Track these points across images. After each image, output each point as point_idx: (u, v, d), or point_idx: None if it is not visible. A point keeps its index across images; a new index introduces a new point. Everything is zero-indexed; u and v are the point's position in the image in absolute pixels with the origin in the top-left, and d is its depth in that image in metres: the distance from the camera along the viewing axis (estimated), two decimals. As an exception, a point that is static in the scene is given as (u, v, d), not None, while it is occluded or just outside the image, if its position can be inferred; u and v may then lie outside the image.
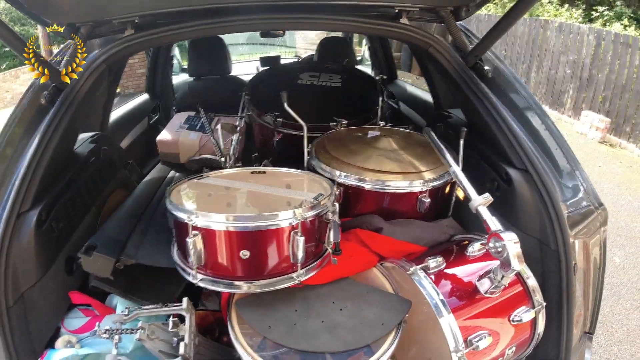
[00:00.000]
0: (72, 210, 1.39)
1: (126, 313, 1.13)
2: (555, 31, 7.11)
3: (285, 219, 1.11)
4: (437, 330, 1.09)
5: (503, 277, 1.10)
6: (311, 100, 2.22)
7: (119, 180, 1.74)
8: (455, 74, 1.51)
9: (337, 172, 1.48)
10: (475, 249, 1.27)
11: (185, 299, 1.17)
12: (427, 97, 2.21)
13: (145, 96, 2.94)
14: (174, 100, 3.11)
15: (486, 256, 1.24)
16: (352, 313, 1.16)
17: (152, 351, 1.11)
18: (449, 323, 1.08)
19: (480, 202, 1.19)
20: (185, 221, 1.10)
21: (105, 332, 1.09)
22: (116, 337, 1.09)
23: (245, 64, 4.34)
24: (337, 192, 1.40)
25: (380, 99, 2.08)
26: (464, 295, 1.16)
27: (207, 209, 1.18)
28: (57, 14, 1.23)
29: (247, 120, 2.39)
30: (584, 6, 9.40)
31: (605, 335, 2.61)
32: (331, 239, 1.20)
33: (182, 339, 1.10)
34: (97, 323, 1.17)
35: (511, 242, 1.04)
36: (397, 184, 1.46)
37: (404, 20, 1.44)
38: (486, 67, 1.49)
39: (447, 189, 1.57)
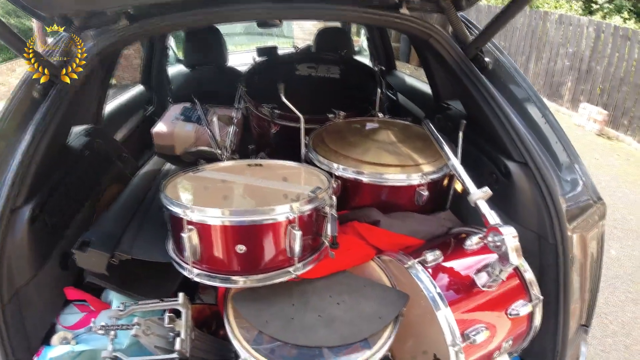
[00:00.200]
0: (66, 204, 1.37)
1: (122, 308, 1.13)
2: (555, 23, 7.06)
3: (282, 213, 1.09)
4: (435, 323, 1.09)
5: (501, 271, 1.09)
6: (309, 91, 2.20)
7: (114, 174, 1.71)
8: (455, 65, 1.48)
9: (335, 165, 1.47)
10: (472, 242, 1.26)
11: (181, 294, 1.16)
12: (426, 88, 2.18)
13: (140, 87, 2.89)
14: (170, 91, 3.06)
15: (484, 249, 1.24)
16: (350, 307, 1.16)
17: (147, 347, 1.11)
18: (446, 316, 1.08)
19: (480, 196, 1.17)
20: (181, 216, 1.09)
21: (100, 329, 1.08)
22: (112, 333, 1.08)
23: (242, 54, 4.28)
24: (334, 185, 1.39)
25: (379, 90, 2.06)
26: (462, 289, 1.16)
27: (203, 203, 1.17)
28: (50, 5, 1.20)
29: (244, 112, 2.37)
30: (584, -2, 9.33)
31: (600, 327, 2.62)
32: (328, 232, 1.19)
33: (179, 335, 1.09)
34: (93, 319, 1.16)
35: (510, 236, 1.04)
36: (395, 177, 1.45)
37: (404, 10, 1.42)
38: (487, 59, 1.47)
39: (446, 182, 1.56)
